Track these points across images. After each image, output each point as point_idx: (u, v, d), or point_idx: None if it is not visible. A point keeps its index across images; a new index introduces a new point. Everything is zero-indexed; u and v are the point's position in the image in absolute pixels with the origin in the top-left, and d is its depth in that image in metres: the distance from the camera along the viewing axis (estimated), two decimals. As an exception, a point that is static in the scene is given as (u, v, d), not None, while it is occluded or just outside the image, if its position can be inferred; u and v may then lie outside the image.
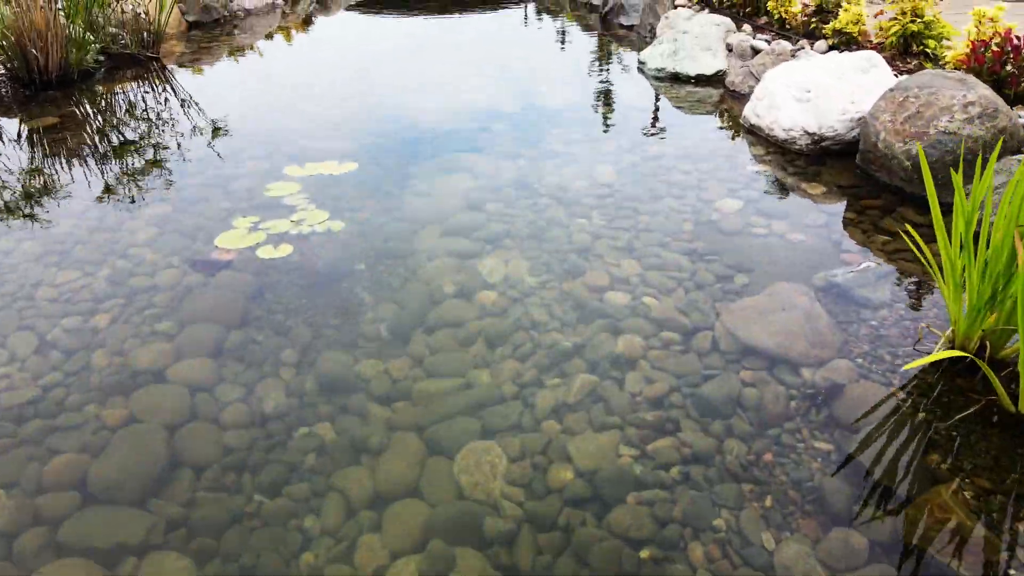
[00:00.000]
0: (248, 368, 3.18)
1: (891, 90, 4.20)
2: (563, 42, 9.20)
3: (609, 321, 3.33)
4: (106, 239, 4.15)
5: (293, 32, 9.91)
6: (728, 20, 6.80)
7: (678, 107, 6.05)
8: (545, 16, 11.26)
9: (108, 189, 4.80)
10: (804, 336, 2.96)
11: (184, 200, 4.63)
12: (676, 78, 6.65)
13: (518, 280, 3.68)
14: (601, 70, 7.48)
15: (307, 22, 10.99)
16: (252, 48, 8.88)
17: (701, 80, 6.57)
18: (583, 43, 9.02)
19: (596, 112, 6.03)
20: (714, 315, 3.31)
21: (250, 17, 10.48)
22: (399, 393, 2.98)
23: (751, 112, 5.22)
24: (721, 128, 5.51)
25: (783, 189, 4.44)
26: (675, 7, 8.22)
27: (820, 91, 4.73)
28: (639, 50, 8.00)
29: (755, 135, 5.25)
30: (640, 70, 7.16)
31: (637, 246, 3.91)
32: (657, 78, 6.77)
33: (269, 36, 9.52)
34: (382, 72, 7.62)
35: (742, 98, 6.06)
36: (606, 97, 6.41)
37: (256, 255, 3.90)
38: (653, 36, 8.14)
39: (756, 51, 6.34)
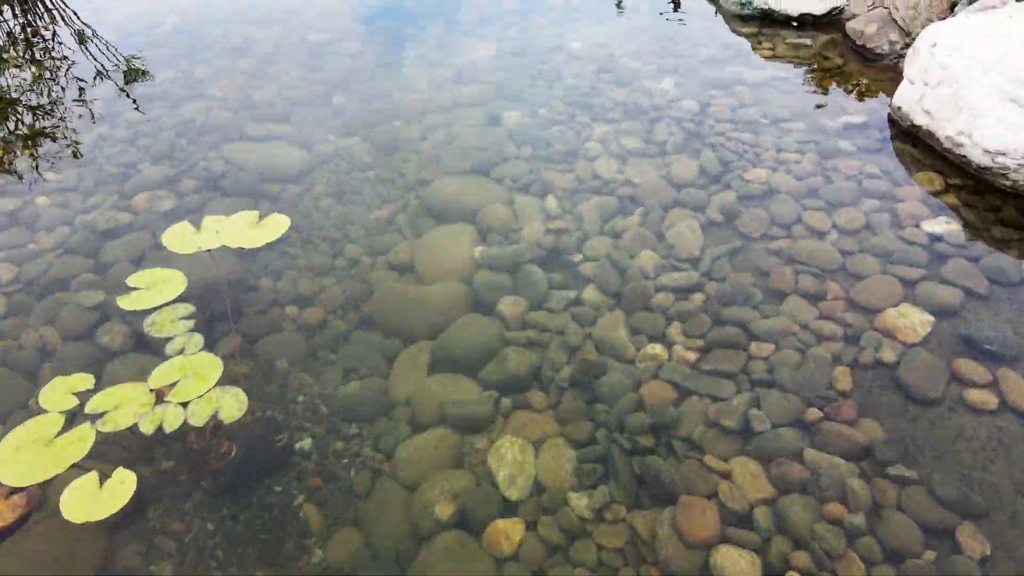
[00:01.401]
0: None
1: None
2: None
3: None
4: None
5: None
6: (846, -77, 4.81)
7: (780, 75, 4.24)
8: None
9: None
10: None
11: (24, 288, 3.09)
12: (769, 17, 4.78)
13: (556, 496, 2.25)
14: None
15: None
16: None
17: (807, 22, 4.69)
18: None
19: (656, 89, 4.24)
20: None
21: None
22: None
23: (913, 103, 3.47)
24: (857, 125, 3.75)
25: (998, 280, 2.80)
26: None
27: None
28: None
29: (919, 143, 3.52)
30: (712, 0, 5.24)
31: (757, 423, 2.37)
32: (740, 16, 4.88)
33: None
34: None
35: (877, 61, 4.23)
36: (666, 56, 4.57)
37: (60, 508, 2.26)
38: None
39: (896, -19, 4.44)
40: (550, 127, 3.94)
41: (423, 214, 3.47)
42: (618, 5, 5.40)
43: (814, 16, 4.63)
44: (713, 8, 5.15)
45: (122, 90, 4.47)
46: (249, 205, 3.55)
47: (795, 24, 4.70)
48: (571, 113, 4.04)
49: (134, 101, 4.36)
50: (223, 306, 2.95)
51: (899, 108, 3.58)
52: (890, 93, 3.89)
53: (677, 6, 5.21)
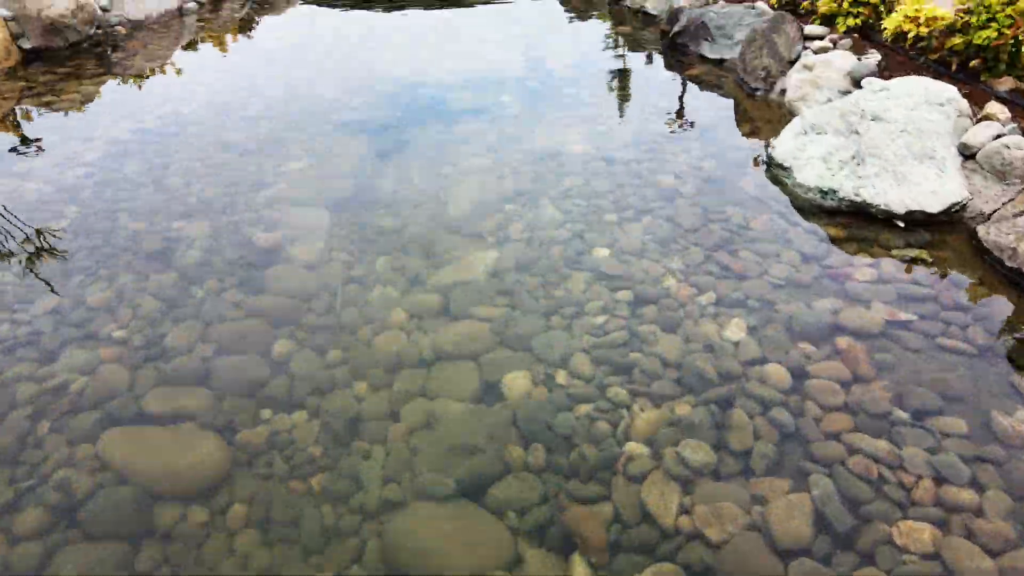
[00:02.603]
0: None
1: None
2: (609, 88, 6.19)
3: None
4: None
5: (210, 49, 6.96)
6: (951, 91, 3.77)
7: (900, 318, 3.09)
8: (570, 16, 8.29)
9: None
10: None
11: None
12: (863, 212, 3.66)
13: None
14: (693, 168, 4.49)
15: (244, 27, 8.08)
16: (141, 77, 6.01)
17: (917, 221, 3.57)
18: (644, 93, 5.99)
19: (720, 339, 3.12)
20: None
21: (141, 33, 7.54)
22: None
23: None
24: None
25: None
26: (804, 41, 5.20)
27: None
28: (746, 117, 5.01)
29: None
30: (774, 177, 4.17)
31: None
32: (821, 209, 3.79)
33: (162, 63, 6.54)
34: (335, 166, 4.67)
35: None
36: (726, 275, 3.43)
37: None
38: (768, 87, 5.15)
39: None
40: (571, 407, 2.78)
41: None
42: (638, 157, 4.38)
43: (927, 214, 3.52)
44: (779, 190, 4.07)
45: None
46: (120, 558, 2.36)
47: (903, 224, 3.58)
48: (601, 381, 2.88)
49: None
50: None
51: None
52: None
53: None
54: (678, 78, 6.07)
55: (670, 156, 4.65)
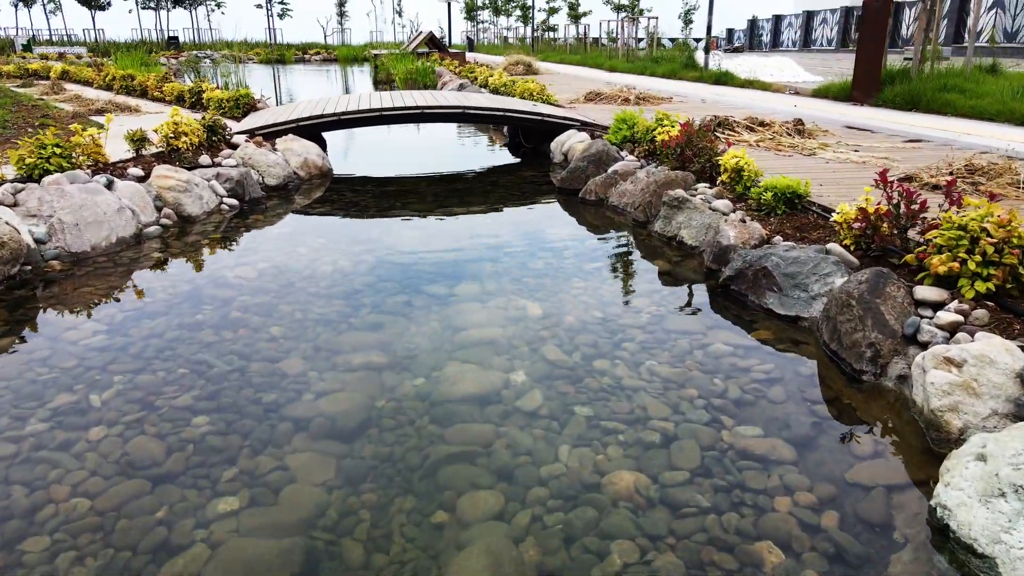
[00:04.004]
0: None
1: None
2: (656, 362, 4.90)
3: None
4: None
5: (160, 290, 5.67)
6: None
7: None
8: (591, 240, 7.24)
9: None
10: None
11: None
12: None
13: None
14: (807, 528, 3.06)
15: (213, 250, 7.00)
16: (54, 338, 4.64)
17: None
18: (704, 368, 4.69)
19: None
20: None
21: (83, 269, 6.36)
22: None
23: None
24: None
25: None
26: (915, 306, 3.98)
27: None
28: (859, 421, 3.66)
29: None
30: (957, 562, 2.69)
31: None
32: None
33: (92, 313, 5.21)
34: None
35: None
36: None
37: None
38: (878, 370, 3.84)
39: None
40: None
41: None
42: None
43: None
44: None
45: None
46: None
47: None
48: None
49: None
50: None
51: None
52: None
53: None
54: (744, 343, 4.75)
55: (763, 498, 3.20)
